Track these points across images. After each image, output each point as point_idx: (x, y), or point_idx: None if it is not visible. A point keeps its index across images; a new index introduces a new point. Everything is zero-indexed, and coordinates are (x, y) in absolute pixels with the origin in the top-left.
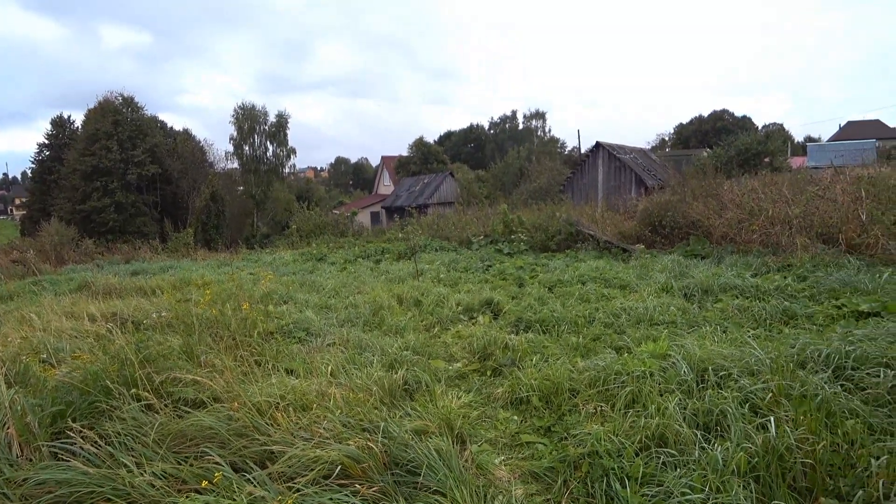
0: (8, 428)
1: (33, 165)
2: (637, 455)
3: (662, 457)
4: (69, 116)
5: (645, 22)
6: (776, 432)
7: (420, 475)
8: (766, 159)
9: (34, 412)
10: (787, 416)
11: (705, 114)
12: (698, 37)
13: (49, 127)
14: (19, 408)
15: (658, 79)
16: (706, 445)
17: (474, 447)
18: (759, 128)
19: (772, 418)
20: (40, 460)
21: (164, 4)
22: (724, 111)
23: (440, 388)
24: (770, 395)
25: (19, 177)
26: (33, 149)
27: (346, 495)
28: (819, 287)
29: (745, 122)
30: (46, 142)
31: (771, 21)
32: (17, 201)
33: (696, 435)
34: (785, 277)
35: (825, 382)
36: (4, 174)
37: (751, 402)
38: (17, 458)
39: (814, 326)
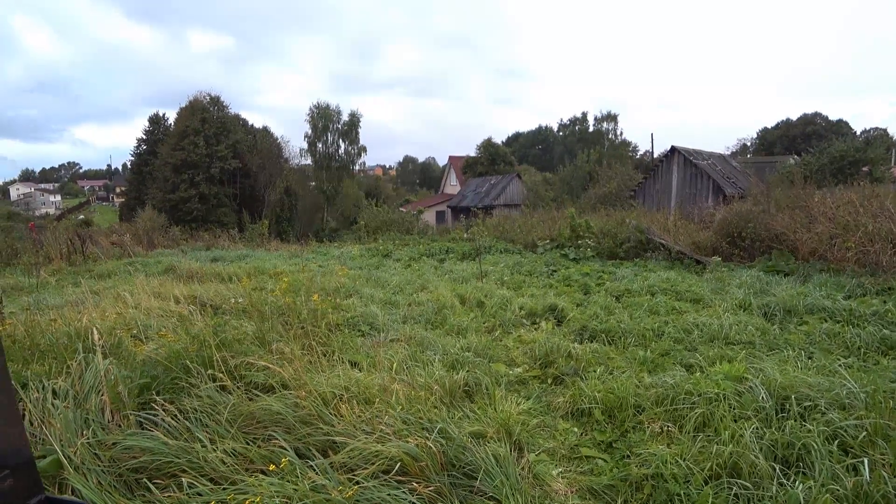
0: (102, 395)
1: (132, 158)
2: (706, 483)
3: (735, 488)
4: (164, 114)
5: (728, 16)
6: (870, 476)
7: (476, 479)
8: (865, 168)
9: (125, 383)
10: (884, 459)
11: (794, 117)
12: (788, 33)
13: (146, 124)
14: (112, 377)
15: (741, 79)
16: (785, 481)
17: (532, 456)
18: (858, 133)
19: (865, 460)
20: (128, 427)
21: (246, 10)
22: (816, 114)
23: (500, 392)
24: (864, 433)
25: (120, 168)
26: (132, 143)
27: (404, 492)
28: None
29: (841, 126)
30: (144, 137)
31: (872, 14)
32: (118, 190)
33: (775, 469)
34: (885, 302)
35: None
36: (108, 165)
37: (840, 439)
38: (108, 422)
39: None
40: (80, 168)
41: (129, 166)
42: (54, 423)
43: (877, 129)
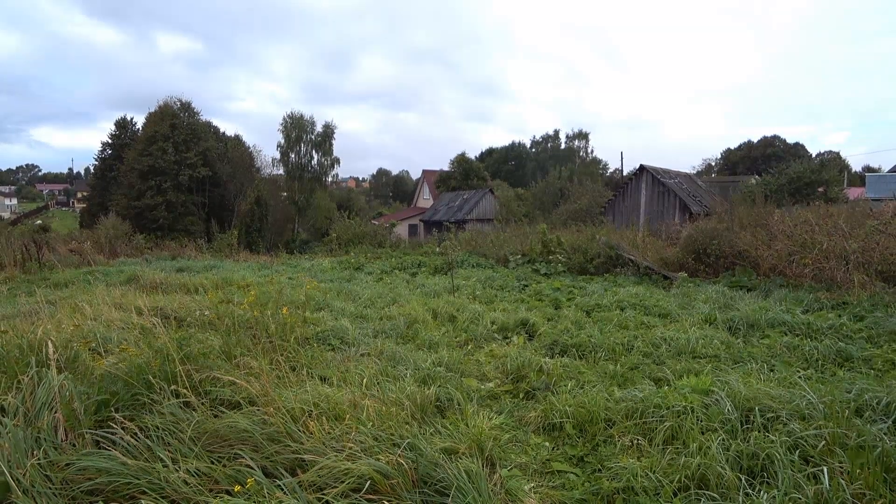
0: (55, 412)
1: (96, 162)
2: (675, 495)
3: (703, 500)
4: (132, 118)
5: (693, 45)
6: (829, 484)
7: (448, 496)
8: (821, 189)
9: (81, 399)
10: (841, 467)
11: (755, 139)
12: (750, 59)
13: (113, 127)
14: (67, 393)
15: (706, 102)
16: (751, 491)
17: (504, 471)
18: (813, 156)
19: (825, 468)
20: (83, 447)
21: (215, 14)
22: (775, 137)
23: (472, 407)
24: (823, 442)
25: (83, 172)
26: (94, 146)
27: None
28: (878, 328)
29: (798, 149)
30: (110, 141)
31: (827, 45)
32: (80, 195)
33: (741, 479)
34: (840, 316)
35: (885, 434)
36: (70, 169)
37: (801, 448)
38: (62, 442)
39: (871, 371)
40: (39, 171)
41: (93, 171)
42: (2, 442)
43: (830, 152)
